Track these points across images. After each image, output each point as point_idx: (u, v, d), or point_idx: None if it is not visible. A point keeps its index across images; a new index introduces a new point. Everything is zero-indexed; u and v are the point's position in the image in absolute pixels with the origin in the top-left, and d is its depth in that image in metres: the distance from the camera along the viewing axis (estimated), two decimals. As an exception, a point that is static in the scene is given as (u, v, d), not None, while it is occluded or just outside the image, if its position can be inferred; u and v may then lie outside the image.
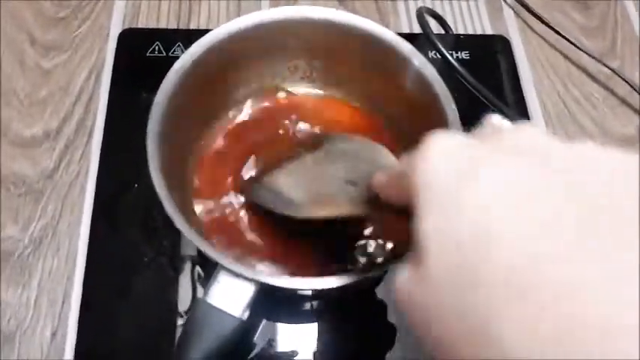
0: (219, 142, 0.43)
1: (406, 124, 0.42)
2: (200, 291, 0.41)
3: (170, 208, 0.32)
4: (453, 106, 0.36)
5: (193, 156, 0.42)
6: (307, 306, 0.43)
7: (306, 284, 0.32)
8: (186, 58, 0.37)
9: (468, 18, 0.58)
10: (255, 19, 0.40)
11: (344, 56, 0.42)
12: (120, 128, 0.47)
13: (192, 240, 0.32)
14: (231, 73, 0.42)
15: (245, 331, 0.32)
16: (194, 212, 0.40)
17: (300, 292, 0.35)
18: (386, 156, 0.34)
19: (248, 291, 0.31)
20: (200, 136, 0.42)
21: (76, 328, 0.40)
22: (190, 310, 0.32)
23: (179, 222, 0.32)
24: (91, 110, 0.49)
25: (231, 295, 0.31)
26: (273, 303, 0.40)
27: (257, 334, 0.40)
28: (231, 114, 0.44)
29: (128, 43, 0.51)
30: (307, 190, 0.35)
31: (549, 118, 0.53)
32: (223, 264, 0.31)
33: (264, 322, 0.41)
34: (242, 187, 0.41)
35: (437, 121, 0.37)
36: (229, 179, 0.42)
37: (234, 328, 0.31)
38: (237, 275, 0.31)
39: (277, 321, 0.41)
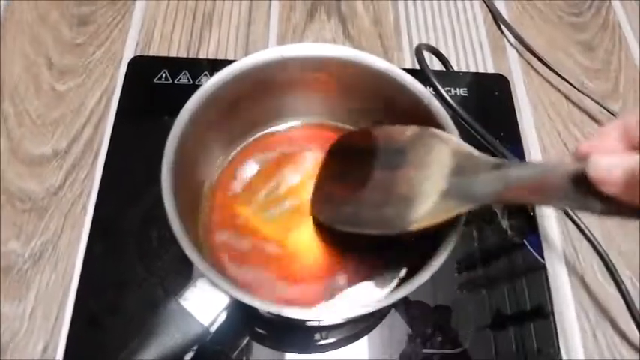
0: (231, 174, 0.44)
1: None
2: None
3: (171, 208, 0.33)
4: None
5: (207, 184, 0.43)
6: (315, 337, 0.43)
7: (276, 308, 0.32)
8: (207, 87, 0.38)
9: (471, 57, 0.59)
10: (278, 54, 0.40)
11: (357, 92, 0.43)
12: (124, 150, 0.48)
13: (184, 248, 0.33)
14: (247, 106, 0.43)
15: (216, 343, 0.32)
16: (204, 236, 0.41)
17: (275, 315, 0.35)
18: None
19: (221, 303, 0.32)
20: (216, 161, 0.44)
21: (66, 344, 0.41)
22: (160, 306, 0.32)
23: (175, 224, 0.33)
24: (99, 132, 0.51)
25: (203, 303, 0.32)
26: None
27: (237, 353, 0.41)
28: (243, 145, 0.46)
29: (137, 70, 0.53)
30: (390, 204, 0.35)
31: (548, 157, 0.53)
32: (201, 269, 0.32)
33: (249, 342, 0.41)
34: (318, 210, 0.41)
35: None
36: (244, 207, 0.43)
37: (197, 335, 0.31)
38: (214, 285, 0.32)
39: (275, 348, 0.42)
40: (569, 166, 0.24)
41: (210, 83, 0.38)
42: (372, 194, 0.37)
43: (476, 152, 0.32)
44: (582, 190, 0.23)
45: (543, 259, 0.47)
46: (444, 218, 0.32)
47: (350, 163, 0.41)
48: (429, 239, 0.36)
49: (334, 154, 0.43)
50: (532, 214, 0.49)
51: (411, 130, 0.36)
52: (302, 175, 0.44)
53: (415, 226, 0.33)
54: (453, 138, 0.34)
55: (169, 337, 0.31)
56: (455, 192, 0.31)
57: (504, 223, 0.48)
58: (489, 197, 0.30)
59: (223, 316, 0.33)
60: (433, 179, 0.33)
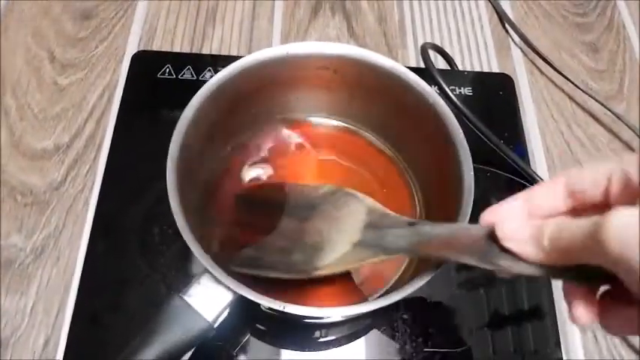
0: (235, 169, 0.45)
1: (416, 156, 0.44)
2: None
3: (175, 204, 0.33)
4: (465, 143, 0.37)
5: (211, 180, 0.43)
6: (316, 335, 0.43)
7: (279, 305, 0.32)
8: (212, 83, 0.38)
9: (476, 56, 0.59)
10: (283, 51, 0.40)
11: (362, 90, 0.43)
12: (126, 145, 0.48)
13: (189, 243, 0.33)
14: (252, 102, 0.43)
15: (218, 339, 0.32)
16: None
17: (280, 313, 0.35)
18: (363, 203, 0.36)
19: (224, 299, 0.32)
20: (217, 160, 0.44)
21: (67, 339, 0.41)
22: (164, 302, 0.32)
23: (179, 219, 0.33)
24: (101, 127, 0.51)
25: (207, 299, 0.32)
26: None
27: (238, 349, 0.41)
28: (249, 141, 0.45)
29: (141, 65, 0.53)
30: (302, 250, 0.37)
31: (551, 157, 0.53)
32: (206, 266, 0.32)
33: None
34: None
35: (446, 154, 0.38)
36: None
37: (202, 331, 0.32)
38: (218, 281, 0.32)
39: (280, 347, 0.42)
40: (479, 229, 0.27)
41: (215, 79, 0.38)
42: (277, 240, 0.39)
43: (390, 212, 0.35)
44: (494, 249, 0.26)
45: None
46: (354, 265, 0.36)
47: (256, 212, 0.42)
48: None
49: (241, 201, 0.43)
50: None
51: (324, 189, 0.39)
52: (305, 172, 0.44)
53: (320, 273, 0.35)
54: (367, 198, 0.37)
55: (173, 334, 0.31)
56: (368, 243, 0.34)
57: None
58: (402, 249, 0.32)
59: (226, 313, 0.33)
60: (346, 231, 0.35)
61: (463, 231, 0.29)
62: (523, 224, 0.25)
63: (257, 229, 0.40)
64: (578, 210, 0.26)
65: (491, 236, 0.26)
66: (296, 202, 0.40)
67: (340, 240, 0.35)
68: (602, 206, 0.24)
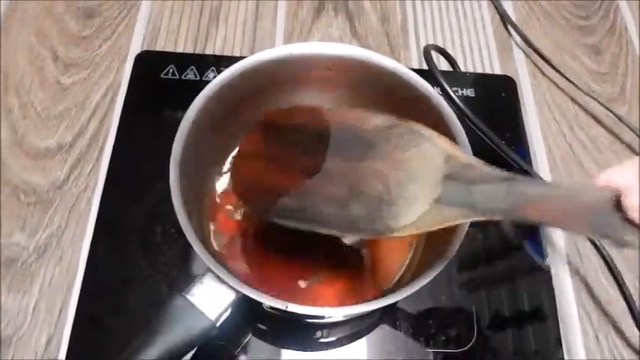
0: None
1: None
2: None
3: (179, 204, 0.33)
4: (467, 144, 0.37)
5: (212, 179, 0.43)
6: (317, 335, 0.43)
7: (281, 304, 0.32)
8: (215, 84, 0.38)
9: (478, 57, 0.59)
10: (286, 51, 0.40)
11: (365, 90, 0.43)
12: (129, 145, 0.48)
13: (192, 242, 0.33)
14: (255, 103, 0.43)
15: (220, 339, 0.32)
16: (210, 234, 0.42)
17: (283, 312, 0.35)
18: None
19: (227, 298, 0.32)
20: (220, 159, 0.44)
21: (69, 338, 0.41)
22: (167, 302, 0.32)
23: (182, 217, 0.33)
24: (104, 126, 0.51)
25: (210, 298, 0.32)
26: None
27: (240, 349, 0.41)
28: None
29: (144, 65, 0.53)
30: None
31: (553, 159, 0.53)
32: (209, 265, 0.32)
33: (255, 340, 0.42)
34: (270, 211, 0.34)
35: None
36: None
37: (204, 330, 0.32)
38: (221, 280, 0.32)
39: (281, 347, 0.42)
40: (603, 192, 0.23)
41: (218, 80, 0.38)
42: (324, 186, 0.31)
43: (475, 161, 0.29)
44: (614, 217, 0.22)
45: (543, 260, 0.47)
46: (437, 227, 0.29)
47: (289, 147, 0.34)
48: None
49: (267, 132, 0.35)
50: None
51: (378, 120, 0.31)
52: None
53: (398, 234, 0.29)
54: (442, 139, 0.29)
55: (176, 333, 0.31)
56: (453, 200, 0.28)
57: (505, 225, 0.48)
58: (499, 211, 0.27)
59: (229, 312, 0.33)
60: (422, 183, 0.29)
61: (574, 194, 0.24)
62: None
63: (293, 170, 0.33)
64: None
65: (612, 203, 0.22)
66: (342, 135, 0.32)
67: (417, 195, 0.29)
68: None
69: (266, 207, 0.33)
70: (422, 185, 0.28)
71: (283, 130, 0.34)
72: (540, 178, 0.49)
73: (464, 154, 0.29)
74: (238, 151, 0.37)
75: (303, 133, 0.33)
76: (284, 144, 0.34)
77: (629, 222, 0.21)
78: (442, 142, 0.29)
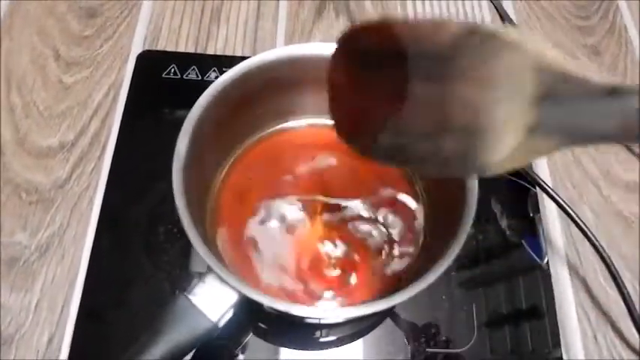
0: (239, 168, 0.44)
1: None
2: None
3: (181, 204, 0.33)
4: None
5: (216, 179, 0.43)
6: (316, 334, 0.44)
7: (282, 306, 0.32)
8: (218, 84, 0.38)
9: (479, 57, 0.59)
10: (289, 52, 0.41)
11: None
12: (131, 145, 0.49)
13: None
14: (258, 103, 0.43)
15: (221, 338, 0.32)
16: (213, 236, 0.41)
17: (283, 314, 0.36)
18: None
19: (229, 299, 0.32)
20: (222, 158, 0.44)
21: (71, 336, 0.41)
22: (169, 302, 0.32)
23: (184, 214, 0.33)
24: (106, 125, 0.51)
25: (212, 298, 0.32)
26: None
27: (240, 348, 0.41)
28: (253, 140, 0.46)
29: (146, 64, 0.53)
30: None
31: (553, 160, 0.53)
32: (211, 266, 0.32)
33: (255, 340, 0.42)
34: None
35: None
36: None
37: (206, 331, 0.32)
38: (223, 281, 0.32)
39: (279, 344, 0.42)
40: None
41: (222, 79, 0.38)
42: (416, 117, 0.27)
43: (573, 71, 0.23)
44: None
45: (541, 259, 0.47)
46: (533, 159, 0.26)
47: (372, 69, 0.29)
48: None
49: (349, 54, 0.30)
50: (531, 215, 0.49)
51: (456, 27, 0.24)
52: (309, 174, 0.45)
53: (490, 172, 0.25)
54: (530, 44, 0.23)
55: (178, 333, 0.31)
56: (550, 127, 0.23)
57: (503, 223, 0.48)
58: (607, 135, 0.22)
59: (231, 313, 0.33)
60: (509, 107, 0.23)
61: None
62: None
63: (383, 100, 0.28)
64: None
65: None
66: (421, 52, 0.25)
67: (507, 121, 0.23)
68: None
69: (368, 146, 0.29)
70: (511, 109, 0.23)
71: (365, 53, 0.29)
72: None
73: (557, 59, 0.23)
74: (330, 85, 0.32)
75: (381, 55, 0.27)
76: (368, 69, 0.29)
77: None
78: (530, 46, 0.23)
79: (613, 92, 0.22)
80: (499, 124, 0.23)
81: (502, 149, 0.24)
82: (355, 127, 0.31)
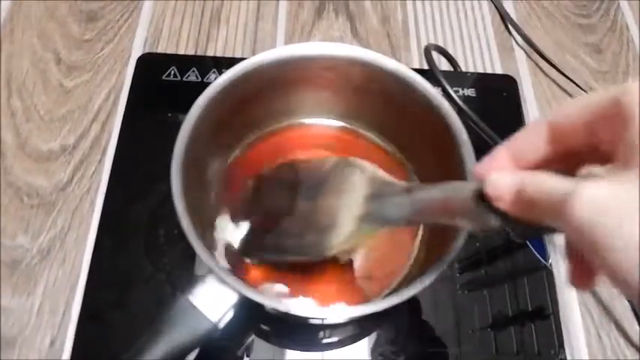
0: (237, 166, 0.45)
1: (417, 153, 0.44)
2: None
3: (180, 205, 0.34)
4: (469, 145, 0.37)
5: (216, 177, 0.43)
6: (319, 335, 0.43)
7: (283, 307, 0.33)
8: (217, 84, 0.38)
9: (479, 57, 0.59)
10: (288, 52, 0.41)
11: (366, 91, 0.43)
12: (131, 147, 0.49)
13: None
14: (257, 104, 0.43)
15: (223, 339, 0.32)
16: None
17: (284, 315, 0.36)
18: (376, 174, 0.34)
19: (229, 300, 0.32)
20: (222, 158, 0.44)
21: (73, 339, 0.41)
22: (170, 303, 0.33)
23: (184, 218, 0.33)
24: (106, 129, 0.51)
25: (212, 299, 0.32)
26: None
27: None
28: (251, 141, 0.46)
29: (146, 67, 0.53)
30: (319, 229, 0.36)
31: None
32: (211, 267, 0.32)
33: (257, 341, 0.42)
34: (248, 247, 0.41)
35: (450, 155, 0.38)
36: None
37: (206, 332, 0.32)
38: (223, 282, 0.32)
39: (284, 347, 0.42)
40: (471, 186, 0.25)
41: (220, 81, 0.38)
42: (294, 224, 0.38)
43: (389, 178, 0.33)
44: (482, 209, 0.24)
45: (546, 260, 0.47)
46: (357, 242, 0.35)
47: (274, 196, 0.42)
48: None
49: (259, 186, 0.43)
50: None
51: (330, 161, 0.38)
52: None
53: (331, 252, 0.34)
54: (368, 166, 0.35)
55: (178, 334, 0.31)
56: (370, 216, 0.32)
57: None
58: (403, 218, 0.31)
59: (231, 313, 0.33)
60: (350, 206, 0.34)
61: (453, 192, 0.27)
62: (504, 176, 0.23)
63: (277, 214, 0.39)
64: (569, 159, 0.24)
65: (481, 193, 0.24)
66: (308, 180, 0.39)
67: (346, 216, 0.34)
68: (591, 153, 0.23)
69: (260, 248, 0.40)
70: (349, 207, 0.34)
71: (269, 184, 0.42)
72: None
73: (383, 174, 0.34)
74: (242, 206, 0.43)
75: (282, 184, 0.41)
76: (270, 195, 0.42)
77: (493, 209, 0.24)
78: (369, 167, 0.34)
79: (408, 190, 0.31)
80: (342, 219, 0.34)
81: (340, 234, 0.34)
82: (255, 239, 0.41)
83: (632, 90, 0.21)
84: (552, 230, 0.23)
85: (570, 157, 0.24)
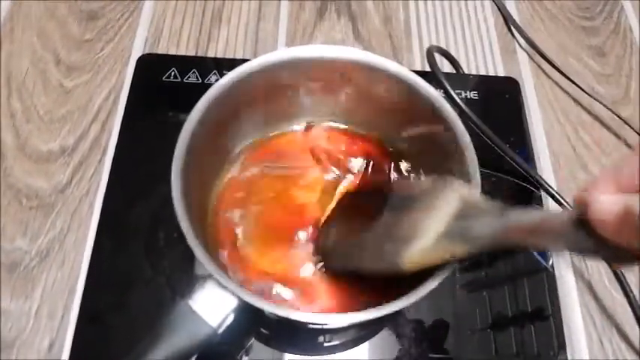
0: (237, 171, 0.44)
1: (420, 156, 0.44)
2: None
3: (180, 208, 0.33)
4: (471, 147, 0.37)
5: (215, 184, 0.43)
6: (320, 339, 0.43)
7: (282, 312, 0.32)
8: (218, 86, 0.38)
9: (482, 59, 0.59)
10: (289, 55, 0.40)
11: (368, 93, 0.43)
12: (131, 149, 0.48)
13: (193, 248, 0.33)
14: (258, 106, 0.43)
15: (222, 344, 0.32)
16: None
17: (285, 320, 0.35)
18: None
19: (229, 304, 0.32)
20: (222, 163, 0.44)
21: (72, 341, 0.41)
22: (169, 307, 0.32)
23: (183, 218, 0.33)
24: (106, 129, 0.51)
25: (212, 304, 0.32)
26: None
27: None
28: (252, 143, 0.45)
29: (146, 68, 0.53)
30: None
31: (557, 161, 0.53)
32: (211, 271, 0.32)
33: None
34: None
35: (453, 158, 0.38)
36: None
37: (206, 337, 0.32)
38: (223, 287, 0.32)
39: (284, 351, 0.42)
40: (571, 212, 0.25)
41: (221, 83, 0.38)
42: (375, 234, 0.37)
43: (483, 201, 0.32)
44: (581, 234, 0.24)
45: (546, 262, 0.46)
46: (437, 258, 0.33)
47: (362, 208, 0.42)
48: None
49: (350, 197, 0.44)
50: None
51: (429, 181, 0.37)
52: (310, 176, 0.44)
53: (407, 265, 0.33)
54: (464, 187, 0.34)
55: (178, 339, 0.31)
56: (453, 234, 0.32)
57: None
58: (487, 238, 0.30)
59: (231, 318, 0.33)
60: (434, 220, 0.33)
61: (550, 216, 0.28)
62: (610, 199, 0.22)
63: (363, 223, 0.39)
64: None
65: (582, 219, 0.23)
66: (400, 194, 0.38)
67: (429, 229, 0.33)
68: None
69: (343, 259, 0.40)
70: (436, 223, 0.32)
71: (361, 196, 0.44)
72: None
73: (476, 195, 0.33)
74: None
75: (373, 196, 0.42)
76: (356, 206, 0.43)
77: (594, 235, 0.23)
78: (462, 188, 0.33)
79: (502, 210, 0.30)
80: (422, 231, 0.33)
81: (418, 247, 0.33)
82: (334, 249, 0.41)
83: None
84: None
85: None
